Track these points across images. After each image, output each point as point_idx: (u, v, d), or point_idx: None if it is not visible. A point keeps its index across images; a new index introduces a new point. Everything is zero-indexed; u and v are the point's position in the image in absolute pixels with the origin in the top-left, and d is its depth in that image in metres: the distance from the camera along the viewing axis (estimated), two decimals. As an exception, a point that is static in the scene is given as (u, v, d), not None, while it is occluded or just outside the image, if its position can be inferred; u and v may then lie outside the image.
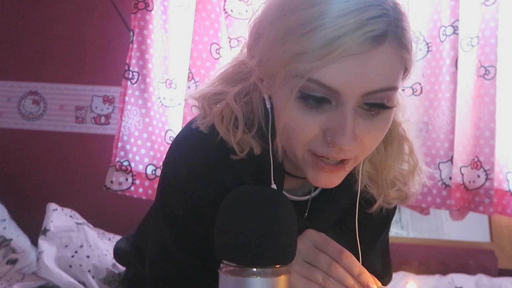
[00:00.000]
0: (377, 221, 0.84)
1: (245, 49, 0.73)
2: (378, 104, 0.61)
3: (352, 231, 0.77)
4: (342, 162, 0.65)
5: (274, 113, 0.69)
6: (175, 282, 0.79)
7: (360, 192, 0.76)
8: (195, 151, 0.74)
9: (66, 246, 1.58)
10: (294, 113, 0.62)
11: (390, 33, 0.58)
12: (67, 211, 1.70)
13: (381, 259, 0.90)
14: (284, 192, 0.76)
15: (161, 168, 0.81)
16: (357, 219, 0.76)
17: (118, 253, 1.02)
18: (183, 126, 0.81)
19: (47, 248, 1.54)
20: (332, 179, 0.66)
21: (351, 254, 0.65)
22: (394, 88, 0.61)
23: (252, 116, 0.72)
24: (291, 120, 0.62)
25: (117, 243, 1.04)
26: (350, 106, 0.60)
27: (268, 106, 0.69)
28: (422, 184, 0.78)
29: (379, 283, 0.65)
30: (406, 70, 0.64)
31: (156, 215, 0.80)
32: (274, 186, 0.70)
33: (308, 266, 0.66)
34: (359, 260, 0.76)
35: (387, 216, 0.86)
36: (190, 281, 0.78)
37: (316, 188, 0.80)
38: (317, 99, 0.60)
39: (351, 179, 0.74)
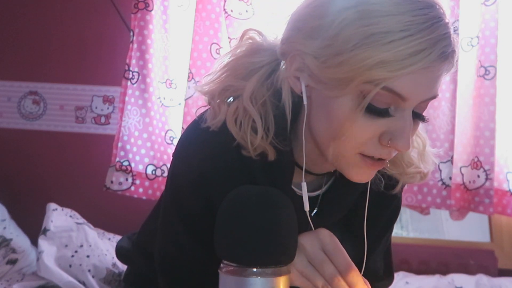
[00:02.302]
0: (383, 220, 0.85)
1: (283, 44, 0.70)
2: (419, 114, 0.66)
3: (358, 228, 0.78)
4: (382, 159, 0.67)
5: (309, 112, 0.69)
6: (186, 274, 0.78)
7: (375, 182, 0.78)
8: (207, 147, 0.73)
9: (66, 246, 1.58)
10: (358, 120, 0.62)
11: (452, 52, 0.62)
12: (67, 211, 1.70)
13: (383, 260, 0.90)
14: (294, 188, 0.75)
15: (171, 165, 0.80)
16: (367, 217, 0.77)
17: (120, 252, 1.02)
18: (191, 121, 0.80)
19: (47, 248, 1.54)
20: (371, 174, 0.69)
21: (357, 271, 0.64)
22: (437, 96, 0.65)
23: (268, 117, 0.71)
24: (354, 126, 0.63)
25: (119, 241, 1.04)
26: (409, 112, 0.63)
27: (305, 102, 0.68)
28: (433, 163, 0.81)
29: None
30: None
31: (166, 209, 0.80)
32: (304, 184, 0.70)
33: (311, 269, 0.65)
34: (364, 255, 0.77)
35: (392, 215, 0.87)
36: (201, 272, 0.77)
37: (325, 183, 0.80)
38: (380, 110, 0.62)
39: None
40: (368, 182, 0.76)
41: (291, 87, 0.70)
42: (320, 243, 0.65)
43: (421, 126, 0.71)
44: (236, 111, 0.71)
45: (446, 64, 0.62)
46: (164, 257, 0.81)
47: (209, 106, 0.77)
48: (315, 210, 0.79)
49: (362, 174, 0.68)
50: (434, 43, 0.59)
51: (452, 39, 0.62)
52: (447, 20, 0.63)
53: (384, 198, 0.82)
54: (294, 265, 0.64)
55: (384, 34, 0.58)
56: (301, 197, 0.71)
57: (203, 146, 0.74)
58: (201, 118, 0.76)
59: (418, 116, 0.66)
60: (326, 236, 0.65)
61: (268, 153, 0.70)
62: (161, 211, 0.82)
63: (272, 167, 0.72)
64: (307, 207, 0.70)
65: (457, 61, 0.65)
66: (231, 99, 0.74)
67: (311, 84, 0.66)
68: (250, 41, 0.75)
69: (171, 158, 0.81)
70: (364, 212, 0.78)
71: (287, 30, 0.70)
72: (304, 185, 0.70)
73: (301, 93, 0.68)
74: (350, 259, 0.64)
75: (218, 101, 0.74)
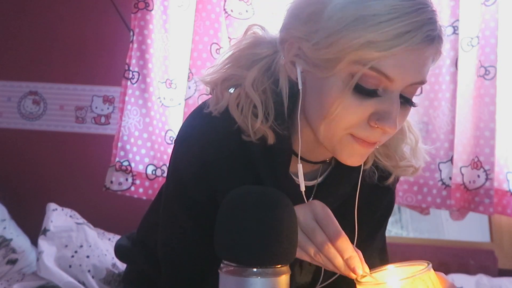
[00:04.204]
0: (377, 213, 0.88)
1: (281, 32, 0.74)
2: (409, 98, 0.69)
3: (352, 218, 0.80)
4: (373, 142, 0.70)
5: (304, 95, 0.72)
6: (189, 260, 0.79)
7: (369, 174, 0.82)
8: (208, 132, 0.76)
9: (66, 246, 1.58)
10: (347, 99, 0.66)
11: (438, 37, 0.66)
12: (67, 211, 1.70)
13: (379, 257, 0.91)
14: (292, 175, 0.78)
15: (172, 151, 0.82)
16: (360, 209, 0.81)
17: (120, 250, 1.02)
18: (193, 110, 0.83)
19: (47, 248, 1.54)
20: (362, 156, 0.72)
21: (347, 238, 0.66)
22: (425, 82, 0.69)
23: (268, 103, 0.74)
24: (344, 106, 0.66)
25: (118, 240, 1.04)
26: (397, 94, 0.66)
27: (300, 87, 0.71)
28: (425, 159, 0.85)
29: (367, 269, 0.66)
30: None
31: (168, 198, 0.82)
32: (300, 165, 0.73)
33: (303, 237, 0.67)
34: (354, 240, 0.79)
35: (386, 209, 0.90)
36: (203, 259, 0.78)
37: (321, 174, 0.83)
38: (368, 90, 0.65)
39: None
40: (360, 172, 0.80)
41: (288, 73, 0.73)
42: (312, 213, 0.67)
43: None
44: (239, 97, 0.74)
45: (431, 48, 0.65)
46: (166, 246, 0.82)
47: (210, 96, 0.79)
48: (310, 199, 0.80)
49: (354, 156, 0.71)
50: (419, 26, 0.62)
51: (438, 25, 0.65)
52: (434, 8, 0.66)
53: (378, 192, 0.86)
54: None
55: (372, 17, 0.62)
56: (298, 186, 0.74)
57: (205, 130, 0.76)
58: (203, 105, 0.79)
59: (407, 101, 0.69)
60: (318, 206, 0.68)
61: (268, 137, 0.73)
62: (163, 200, 0.83)
63: (271, 151, 0.75)
64: (303, 187, 0.73)
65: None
66: (232, 89, 0.77)
67: (306, 67, 0.70)
68: (253, 35, 0.79)
69: (173, 144, 0.82)
70: (358, 202, 0.80)
71: (285, 18, 0.74)
72: (300, 166, 0.73)
73: (297, 78, 0.72)
74: (339, 227, 0.66)
75: (220, 89, 0.77)
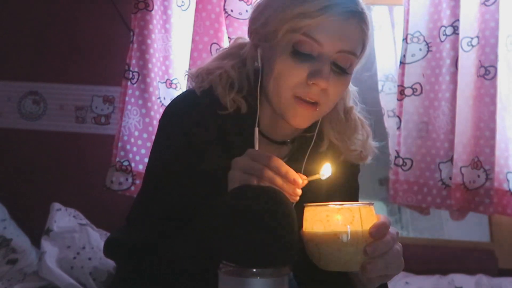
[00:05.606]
0: (342, 189, 0.99)
1: (248, 24, 0.92)
2: (342, 67, 0.84)
3: (318, 196, 0.87)
4: (314, 104, 0.84)
5: (264, 70, 0.89)
6: (160, 211, 0.86)
7: (325, 157, 0.95)
8: (189, 102, 0.91)
9: (69, 247, 1.58)
10: (287, 62, 0.83)
11: (359, 13, 0.83)
12: (71, 211, 1.70)
13: None
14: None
15: (160, 119, 0.96)
16: (324, 186, 0.90)
17: (110, 243, 1.01)
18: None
19: (50, 249, 1.54)
20: (304, 118, 0.86)
21: (278, 158, 0.74)
22: (355, 55, 0.85)
23: (243, 81, 0.91)
24: (284, 67, 0.83)
25: (108, 237, 1.04)
26: (327, 58, 0.82)
27: (260, 65, 0.90)
28: (373, 153, 1.00)
29: (304, 177, 0.74)
30: (363, 47, 0.87)
31: (151, 155, 0.94)
32: (256, 129, 0.85)
33: (246, 176, 0.74)
34: None
35: (349, 184, 1.01)
36: (174, 211, 0.85)
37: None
38: (304, 54, 0.82)
39: (310, 141, 0.94)
40: (311, 144, 0.93)
41: (252, 56, 0.92)
42: (249, 156, 0.75)
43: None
44: (220, 76, 0.91)
45: (353, 21, 0.82)
46: (142, 199, 0.91)
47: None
48: None
49: (298, 117, 0.85)
50: (338, 3, 0.80)
51: (359, 5, 0.83)
52: None
53: (338, 170, 0.95)
54: (233, 179, 0.74)
55: None
56: None
57: (187, 103, 0.91)
58: (190, 88, 0.95)
59: (341, 69, 0.84)
60: (252, 150, 0.77)
61: (242, 106, 0.89)
62: (146, 168, 0.95)
63: (242, 119, 0.89)
64: (256, 147, 0.86)
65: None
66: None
67: (262, 45, 0.88)
68: (238, 41, 0.99)
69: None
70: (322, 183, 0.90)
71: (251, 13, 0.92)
72: (256, 129, 0.86)
73: (257, 59, 0.90)
74: (269, 154, 0.75)
75: (205, 74, 0.92)
